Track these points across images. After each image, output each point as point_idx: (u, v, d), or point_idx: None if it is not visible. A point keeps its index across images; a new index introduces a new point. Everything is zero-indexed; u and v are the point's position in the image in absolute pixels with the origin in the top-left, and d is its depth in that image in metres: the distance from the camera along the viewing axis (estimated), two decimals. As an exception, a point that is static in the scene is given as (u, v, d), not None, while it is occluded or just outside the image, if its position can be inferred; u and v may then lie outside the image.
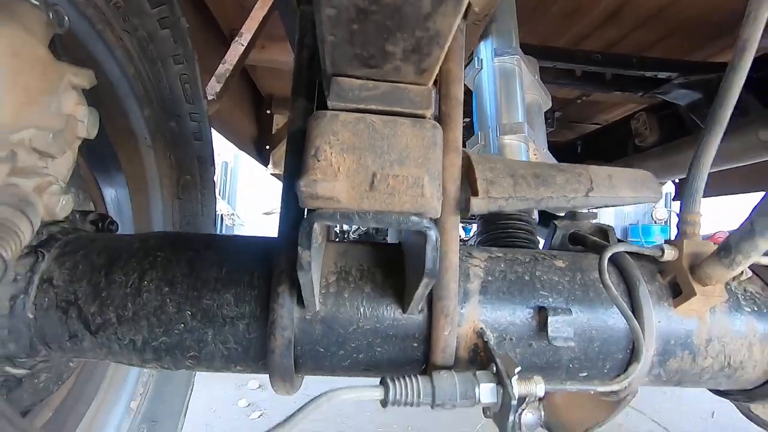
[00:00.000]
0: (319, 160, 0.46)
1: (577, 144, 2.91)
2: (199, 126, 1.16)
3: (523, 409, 0.56)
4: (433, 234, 0.45)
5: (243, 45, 1.99)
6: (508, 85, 1.24)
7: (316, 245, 0.49)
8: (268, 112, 3.48)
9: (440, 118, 0.58)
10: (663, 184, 2.79)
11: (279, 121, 3.70)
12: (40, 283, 0.56)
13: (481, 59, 1.29)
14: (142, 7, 0.85)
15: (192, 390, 1.28)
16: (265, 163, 3.69)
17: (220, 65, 1.95)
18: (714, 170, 1.85)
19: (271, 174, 4.55)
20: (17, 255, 0.43)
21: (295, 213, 0.56)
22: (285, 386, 0.59)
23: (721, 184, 2.41)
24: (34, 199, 0.42)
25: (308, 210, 0.47)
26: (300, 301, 0.56)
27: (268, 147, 3.61)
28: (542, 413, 0.63)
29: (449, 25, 0.38)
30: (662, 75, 1.91)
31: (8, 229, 0.39)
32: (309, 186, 0.44)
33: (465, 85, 0.74)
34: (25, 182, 0.42)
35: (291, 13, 0.63)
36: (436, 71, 0.46)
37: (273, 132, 3.62)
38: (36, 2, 0.45)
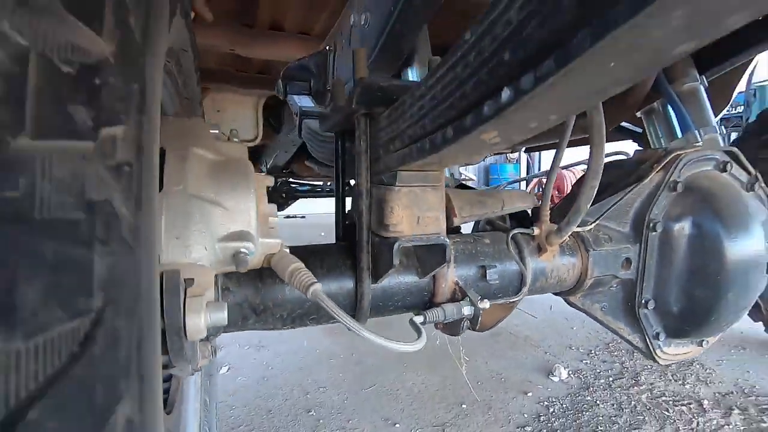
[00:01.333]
0: (393, 213, 0.94)
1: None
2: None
3: (473, 320, 1.16)
4: (448, 242, 0.97)
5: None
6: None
7: (390, 253, 0.98)
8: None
9: (435, 177, 1.08)
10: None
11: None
12: (237, 291, 0.94)
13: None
14: None
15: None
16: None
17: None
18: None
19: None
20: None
21: (368, 234, 1.02)
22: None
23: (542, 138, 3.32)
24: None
25: (386, 236, 0.95)
26: (371, 279, 1.04)
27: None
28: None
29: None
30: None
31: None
32: (391, 226, 0.93)
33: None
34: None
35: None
36: (445, 166, 0.96)
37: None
38: (237, 139, 0.80)
